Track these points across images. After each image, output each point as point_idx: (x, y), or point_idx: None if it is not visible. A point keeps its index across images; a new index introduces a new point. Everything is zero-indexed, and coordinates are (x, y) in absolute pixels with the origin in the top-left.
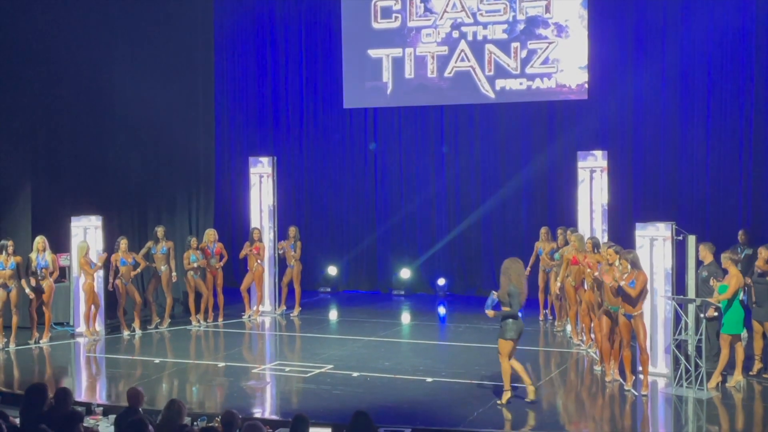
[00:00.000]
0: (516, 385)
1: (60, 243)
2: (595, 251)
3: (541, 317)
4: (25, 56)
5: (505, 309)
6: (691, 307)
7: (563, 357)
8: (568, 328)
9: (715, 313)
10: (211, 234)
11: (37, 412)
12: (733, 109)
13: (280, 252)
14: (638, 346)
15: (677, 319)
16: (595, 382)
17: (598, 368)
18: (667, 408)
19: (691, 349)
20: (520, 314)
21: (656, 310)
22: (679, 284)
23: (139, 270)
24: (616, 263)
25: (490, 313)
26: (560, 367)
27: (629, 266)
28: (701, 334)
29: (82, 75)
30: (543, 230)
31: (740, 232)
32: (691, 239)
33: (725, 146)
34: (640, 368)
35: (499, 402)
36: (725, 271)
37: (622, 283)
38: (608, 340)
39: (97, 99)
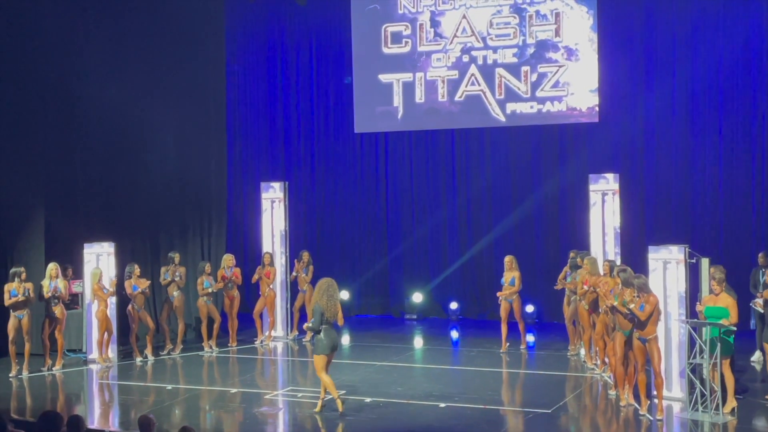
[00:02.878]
0: (530, 410)
1: (73, 269)
2: (612, 275)
3: (503, 349)
4: (38, 84)
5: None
6: (706, 331)
7: (577, 381)
8: (582, 352)
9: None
10: (229, 259)
11: None
12: (745, 131)
13: (293, 276)
14: (653, 370)
15: (692, 342)
16: (610, 406)
17: (612, 393)
18: None
19: (705, 372)
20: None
21: (670, 334)
22: (693, 307)
23: (146, 287)
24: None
25: (306, 325)
26: (574, 391)
27: (636, 291)
28: (716, 358)
29: (96, 102)
30: (506, 259)
31: (760, 255)
32: (705, 262)
33: (738, 167)
34: (655, 392)
35: (316, 410)
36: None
37: (632, 306)
38: (622, 364)
39: (109, 126)
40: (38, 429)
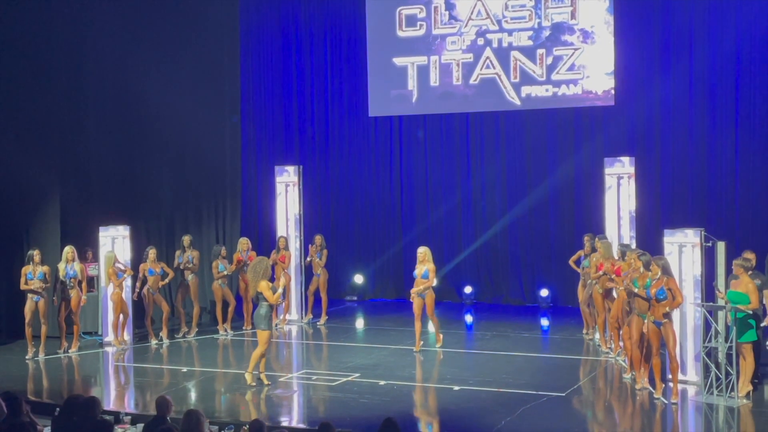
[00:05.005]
0: (544, 393)
1: (92, 253)
2: (623, 258)
3: (415, 349)
4: (55, 67)
5: None
6: (721, 315)
7: (592, 365)
8: (597, 335)
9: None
10: (244, 243)
11: (69, 422)
12: (763, 113)
13: (308, 260)
14: (668, 354)
15: (707, 326)
16: (625, 390)
17: (627, 376)
18: (697, 416)
19: (721, 356)
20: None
21: (686, 318)
22: (708, 291)
23: (167, 280)
24: (641, 269)
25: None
26: (589, 375)
27: (659, 272)
28: (731, 342)
29: (110, 85)
30: (420, 250)
31: None
32: (721, 245)
33: (754, 151)
34: (670, 376)
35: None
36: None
37: (652, 292)
38: (638, 347)
39: (125, 109)
40: (63, 412)
